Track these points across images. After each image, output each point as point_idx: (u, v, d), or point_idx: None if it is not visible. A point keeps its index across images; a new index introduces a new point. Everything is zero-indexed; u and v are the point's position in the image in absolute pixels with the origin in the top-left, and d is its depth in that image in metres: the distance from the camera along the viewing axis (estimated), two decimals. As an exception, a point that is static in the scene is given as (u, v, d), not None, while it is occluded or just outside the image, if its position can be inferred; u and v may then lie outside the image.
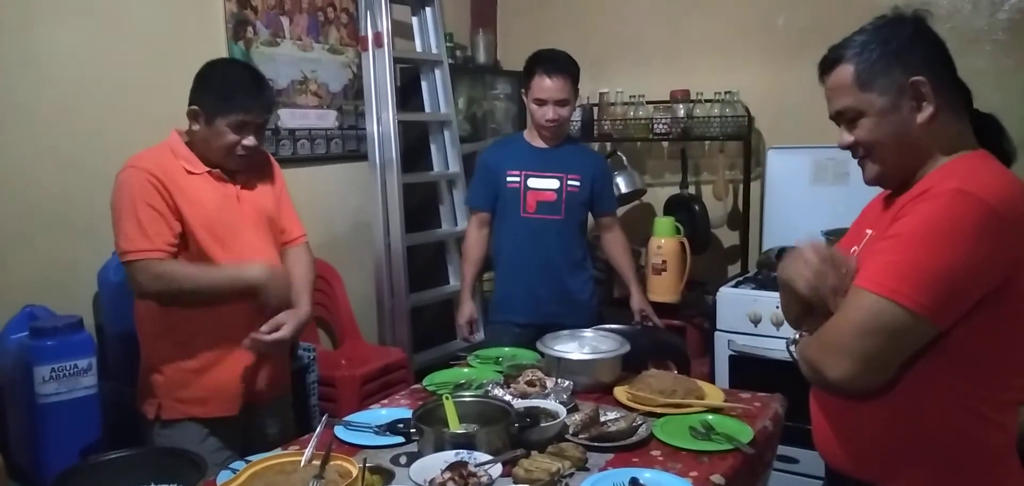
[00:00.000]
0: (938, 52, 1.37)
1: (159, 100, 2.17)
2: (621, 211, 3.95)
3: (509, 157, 2.92)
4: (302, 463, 1.53)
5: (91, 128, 2.66)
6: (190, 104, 2.10)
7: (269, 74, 3.33)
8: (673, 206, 3.70)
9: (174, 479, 1.36)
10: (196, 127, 2.10)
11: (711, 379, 2.81)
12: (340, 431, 1.89)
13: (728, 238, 3.79)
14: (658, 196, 3.88)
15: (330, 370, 3.12)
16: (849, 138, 1.42)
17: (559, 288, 2.88)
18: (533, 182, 2.86)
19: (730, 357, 2.99)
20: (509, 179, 2.88)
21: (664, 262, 3.32)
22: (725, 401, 2.02)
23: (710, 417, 1.91)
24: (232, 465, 1.60)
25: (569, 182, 2.87)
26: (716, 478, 1.62)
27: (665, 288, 3.33)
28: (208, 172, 2.13)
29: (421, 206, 3.89)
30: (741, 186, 3.60)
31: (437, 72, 3.85)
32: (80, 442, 2.14)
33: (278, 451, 1.68)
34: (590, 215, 3.02)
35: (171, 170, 2.08)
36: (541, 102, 2.80)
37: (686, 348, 2.58)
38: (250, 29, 3.28)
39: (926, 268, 1.24)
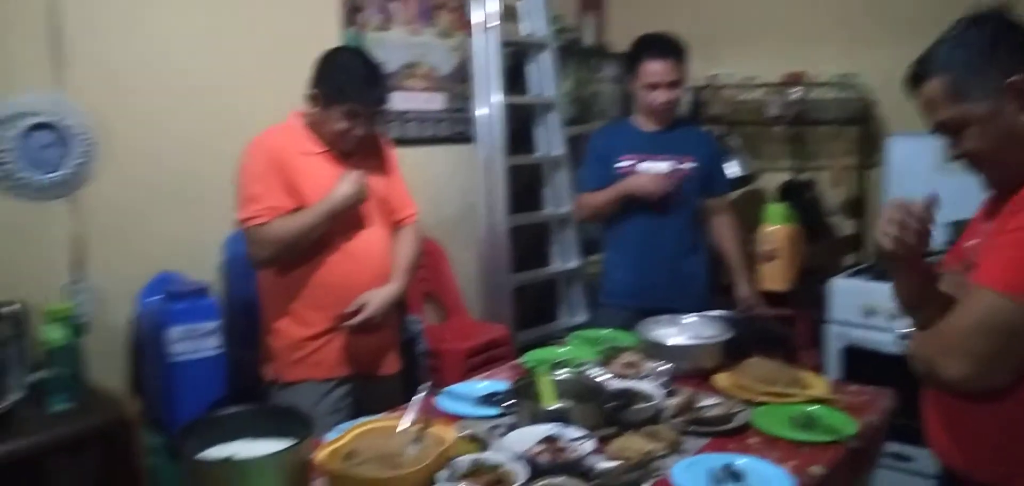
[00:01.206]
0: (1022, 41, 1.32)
1: (279, 82, 2.31)
2: (737, 196, 3.88)
3: (620, 142, 2.87)
4: (402, 427, 1.61)
5: (219, 108, 2.83)
6: (312, 88, 2.21)
7: (381, 57, 3.45)
8: (786, 192, 3.59)
9: (284, 434, 1.45)
10: (315, 110, 2.22)
11: (821, 372, 2.72)
12: (441, 400, 1.97)
13: (844, 227, 3.64)
14: (770, 182, 3.77)
15: (437, 343, 3.23)
16: (957, 149, 1.38)
17: (672, 273, 2.82)
18: (645, 166, 2.81)
19: (841, 350, 2.89)
20: (621, 164, 2.83)
21: (774, 249, 3.23)
22: (830, 393, 1.96)
23: (812, 408, 1.86)
24: (340, 426, 1.70)
25: (683, 165, 2.82)
26: (815, 469, 1.59)
27: (775, 276, 3.24)
28: (325, 152, 2.24)
29: (526, 188, 3.94)
30: (858, 173, 3.45)
31: (543, 55, 3.88)
32: (206, 397, 2.31)
33: (383, 416, 1.75)
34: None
35: (290, 149, 2.21)
36: (652, 86, 2.75)
37: (793, 338, 2.51)
38: (362, 15, 3.40)
39: None
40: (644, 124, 2.87)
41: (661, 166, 2.81)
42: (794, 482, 1.52)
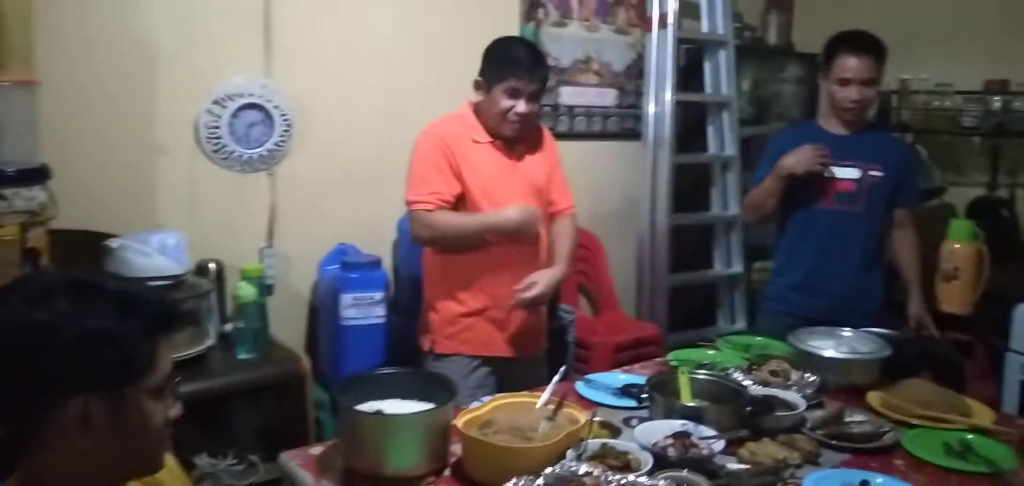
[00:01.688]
0: None
1: (459, 73, 2.45)
2: (922, 211, 3.63)
3: (804, 143, 2.67)
4: (538, 405, 1.69)
5: (403, 96, 3.06)
6: (478, 77, 2.35)
7: (554, 53, 3.57)
8: (977, 209, 3.31)
9: (430, 398, 1.58)
10: (480, 96, 2.35)
11: (996, 405, 2.51)
12: (580, 387, 2.03)
13: (1043, 251, 3.31)
14: (961, 197, 3.49)
15: (587, 334, 3.29)
16: None
17: (848, 286, 2.65)
18: (832, 171, 2.64)
19: (1022, 382, 2.63)
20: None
21: (956, 269, 2.96)
22: (995, 424, 1.82)
23: (971, 437, 1.74)
24: (483, 398, 1.81)
25: (871, 172, 2.63)
26: (962, 499, 1.50)
27: (954, 298, 2.97)
28: (491, 142, 2.37)
29: (693, 187, 3.90)
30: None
31: (722, 53, 3.81)
32: (369, 360, 2.52)
33: (523, 393, 1.84)
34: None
35: (459, 137, 2.35)
36: (845, 82, 2.59)
37: (964, 364, 2.33)
38: (541, 10, 3.51)
39: None
40: (832, 126, 2.70)
41: (848, 172, 2.63)
42: (935, 509, 1.45)
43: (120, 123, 2.58)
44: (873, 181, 2.63)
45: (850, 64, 2.58)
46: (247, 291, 2.37)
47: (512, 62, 2.29)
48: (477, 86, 2.35)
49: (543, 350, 2.54)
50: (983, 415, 1.87)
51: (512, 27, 3.39)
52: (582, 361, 3.19)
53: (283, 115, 2.82)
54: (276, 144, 2.83)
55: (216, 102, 2.72)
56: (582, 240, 3.63)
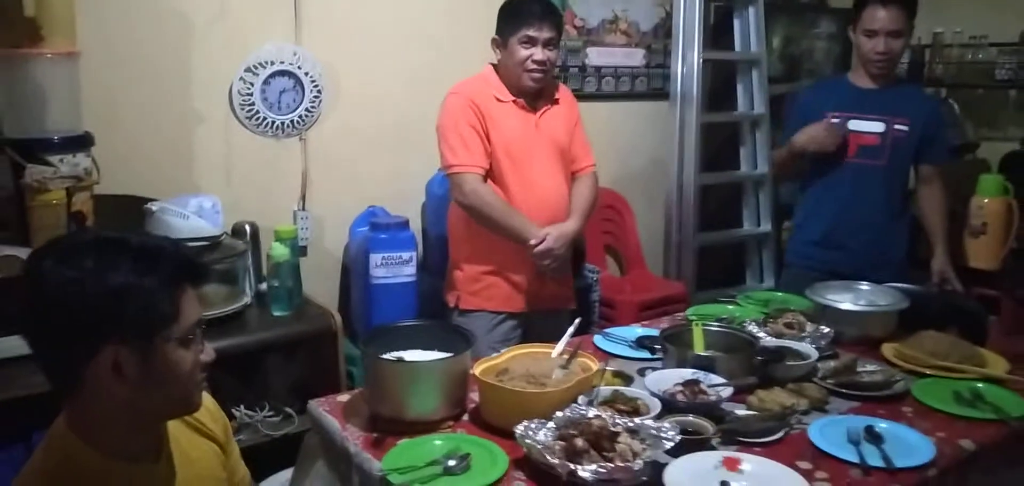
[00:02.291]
0: None
1: (481, 35, 2.50)
2: (954, 165, 3.59)
3: (829, 98, 2.73)
4: (553, 354, 1.76)
5: (429, 64, 3.11)
6: (494, 36, 2.40)
7: (581, 13, 3.59)
8: (1011, 164, 3.27)
9: (450, 349, 1.66)
10: (499, 55, 2.41)
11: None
12: (598, 340, 2.10)
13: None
14: (995, 152, 3.44)
15: (612, 293, 3.34)
16: None
17: (872, 240, 2.68)
18: (855, 125, 2.66)
19: (1050, 336, 2.61)
20: (829, 121, 2.69)
21: (984, 224, 2.96)
22: (1008, 373, 1.84)
23: (982, 386, 1.76)
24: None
25: (896, 126, 2.64)
26: (965, 443, 1.53)
27: (982, 253, 2.97)
28: (513, 101, 2.43)
29: (724, 146, 3.90)
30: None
31: (751, 9, 3.79)
32: (399, 317, 2.58)
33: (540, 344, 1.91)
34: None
35: (484, 97, 2.41)
36: (871, 33, 2.59)
37: (986, 319, 2.32)
38: (568, -29, 3.52)
39: None
40: (860, 79, 2.70)
41: (871, 126, 2.66)
42: (934, 452, 1.48)
43: (158, 92, 2.69)
44: (898, 135, 2.62)
45: (878, 15, 2.56)
46: (280, 251, 2.47)
47: (523, 12, 2.36)
48: (495, 45, 2.41)
49: (570, 306, 2.59)
50: (997, 365, 1.89)
51: (539, -11, 3.40)
52: (608, 320, 3.24)
53: (313, 81, 2.90)
54: (306, 110, 2.92)
55: (249, 70, 2.81)
56: (609, 200, 3.69)
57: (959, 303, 2.47)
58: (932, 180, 2.75)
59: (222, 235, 2.47)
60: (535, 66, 2.36)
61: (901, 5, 2.56)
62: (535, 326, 2.46)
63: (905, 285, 2.31)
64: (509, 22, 2.37)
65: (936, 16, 3.44)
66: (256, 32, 2.82)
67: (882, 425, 1.56)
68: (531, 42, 2.35)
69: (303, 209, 2.96)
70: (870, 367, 1.87)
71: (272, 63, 2.83)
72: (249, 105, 2.83)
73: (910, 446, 1.50)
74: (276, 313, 2.47)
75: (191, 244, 2.16)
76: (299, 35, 2.88)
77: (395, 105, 3.10)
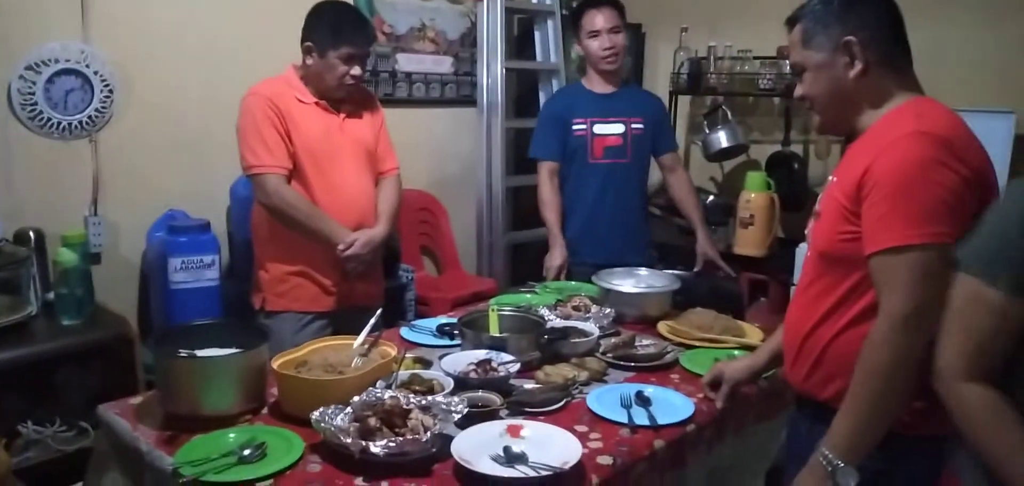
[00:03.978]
0: (877, 11, 1.43)
1: (285, 38, 2.50)
2: (729, 165, 4.00)
3: (574, 106, 2.97)
4: (355, 345, 1.81)
5: (231, 62, 3.05)
6: (304, 41, 2.41)
7: (390, 20, 3.66)
8: (774, 163, 3.70)
9: (246, 346, 1.67)
10: (310, 61, 2.41)
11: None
12: (404, 331, 2.17)
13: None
14: (762, 152, 3.88)
15: (427, 291, 3.43)
16: (799, 91, 1.52)
17: (627, 228, 2.96)
18: (599, 128, 2.92)
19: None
20: (576, 127, 2.93)
21: (752, 216, 3.35)
22: (762, 340, 2.10)
23: (738, 352, 2.02)
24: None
25: (633, 125, 2.93)
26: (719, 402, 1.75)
27: (751, 242, 3.36)
28: (316, 103, 2.44)
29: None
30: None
31: (550, 22, 4.02)
32: (201, 323, 2.55)
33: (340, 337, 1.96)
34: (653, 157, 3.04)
35: (285, 98, 2.40)
36: (595, 33, 2.86)
37: (743, 296, 2.64)
38: (375, -22, 3.58)
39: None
40: (595, 85, 2.97)
41: (613, 128, 2.92)
42: (693, 409, 1.68)
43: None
44: (636, 133, 2.93)
45: (597, 18, 2.86)
46: (68, 257, 2.35)
47: (347, 29, 2.37)
48: (307, 51, 2.40)
49: (379, 303, 2.64)
50: (753, 334, 2.16)
51: (346, -5, 3.43)
52: (423, 317, 3.31)
53: (103, 81, 2.77)
54: (97, 110, 2.78)
55: (30, 68, 2.64)
56: (424, 203, 3.79)
57: (717, 283, 2.78)
58: (675, 167, 3.06)
59: (1, 242, 2.31)
60: (352, 81, 2.40)
61: (613, 5, 2.89)
62: (345, 325, 2.47)
63: (676, 271, 2.58)
64: (328, 35, 2.35)
65: (710, 31, 3.84)
66: (38, 29, 2.65)
67: (650, 390, 1.75)
68: (351, 59, 2.37)
69: (95, 214, 2.81)
70: (646, 341, 2.08)
71: (56, 61, 2.68)
72: (31, 105, 2.66)
73: (674, 406, 1.70)
74: (66, 322, 2.35)
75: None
76: (87, 33, 2.74)
77: (196, 105, 3.02)
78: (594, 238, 2.95)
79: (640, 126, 2.94)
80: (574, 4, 3.01)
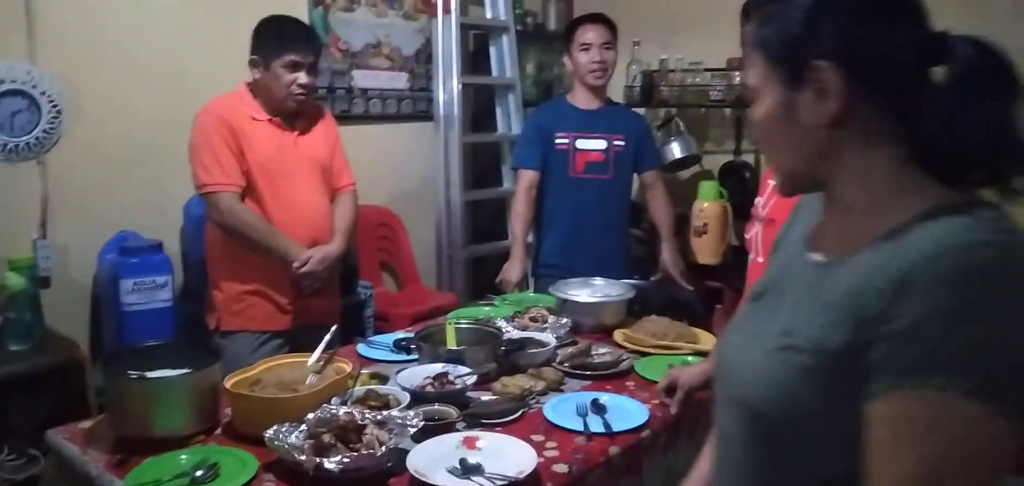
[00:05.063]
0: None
1: (238, 54, 2.48)
2: (684, 176, 4.06)
3: (558, 119, 3.03)
4: (309, 363, 1.81)
5: (184, 82, 3.02)
6: (251, 55, 2.40)
7: (345, 36, 3.66)
8: (726, 173, 3.77)
9: (194, 366, 1.65)
10: (258, 75, 2.41)
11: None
12: (361, 348, 2.17)
13: (781, 207, 3.81)
14: (714, 162, 3.94)
15: (387, 307, 3.43)
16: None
17: (605, 242, 3.00)
18: (582, 143, 2.98)
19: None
20: (558, 141, 2.99)
21: (705, 225, 3.40)
22: (716, 346, 2.14)
23: (691, 358, 2.05)
24: (261, 365, 1.89)
25: (615, 142, 2.99)
26: (673, 408, 1.78)
27: (706, 250, 3.41)
28: (269, 120, 2.43)
29: (489, 166, 4.12)
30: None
31: (504, 38, 4.05)
32: (154, 345, 2.51)
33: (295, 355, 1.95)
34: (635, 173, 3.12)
35: (239, 116, 2.40)
36: (587, 46, 2.93)
37: (698, 306, 2.69)
38: (329, -5, 3.58)
39: None
40: (579, 100, 3.04)
41: (595, 144, 2.99)
42: (647, 415, 1.71)
43: None
44: (618, 149, 3.00)
45: (590, 33, 2.93)
46: (16, 281, 2.30)
47: (289, 37, 2.39)
48: (254, 65, 2.40)
49: (336, 320, 2.62)
50: (706, 340, 2.20)
51: (300, 10, 3.43)
52: (383, 333, 3.30)
53: (51, 101, 2.72)
54: (45, 131, 2.73)
55: (-27, 89, 2.59)
56: (383, 219, 3.78)
57: (673, 293, 2.83)
58: (655, 184, 3.14)
59: (-57, 268, 2.26)
60: (300, 90, 2.39)
61: (606, 23, 2.98)
62: (302, 343, 2.45)
63: (633, 280, 2.62)
64: (271, 45, 2.37)
65: (662, 44, 3.90)
66: (-20, 49, 2.60)
67: (606, 398, 1.77)
68: (296, 66, 2.37)
69: (44, 237, 2.75)
70: (602, 350, 2.10)
71: (1, 82, 2.63)
72: (-26, 127, 2.60)
73: (629, 413, 1.72)
74: (13, 348, 2.30)
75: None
76: (34, 50, 2.70)
77: (147, 124, 2.98)
78: (571, 251, 2.98)
79: (622, 143, 3.00)
80: (565, 21, 3.09)
